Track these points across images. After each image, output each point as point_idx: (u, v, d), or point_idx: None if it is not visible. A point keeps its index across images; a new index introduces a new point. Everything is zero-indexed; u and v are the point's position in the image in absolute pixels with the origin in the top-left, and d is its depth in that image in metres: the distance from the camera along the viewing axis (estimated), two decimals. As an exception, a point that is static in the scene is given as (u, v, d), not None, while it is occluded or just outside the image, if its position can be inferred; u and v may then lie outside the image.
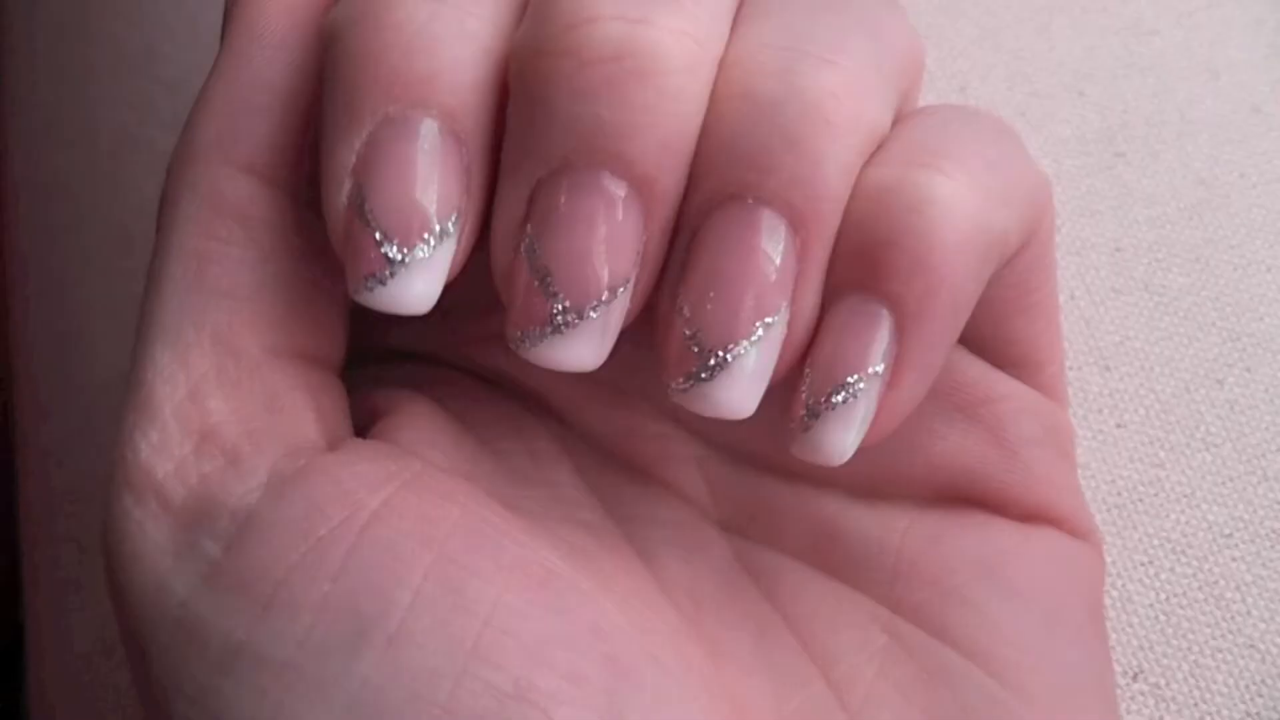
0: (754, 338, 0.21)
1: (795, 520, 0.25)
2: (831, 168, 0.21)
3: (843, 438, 0.22)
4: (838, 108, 0.21)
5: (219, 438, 0.21)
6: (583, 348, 0.21)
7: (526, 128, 0.21)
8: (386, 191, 0.21)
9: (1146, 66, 0.34)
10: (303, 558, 0.20)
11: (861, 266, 0.21)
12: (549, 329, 0.21)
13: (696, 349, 0.21)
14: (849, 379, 0.22)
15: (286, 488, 0.21)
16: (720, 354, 0.21)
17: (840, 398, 0.22)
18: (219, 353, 0.22)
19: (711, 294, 0.21)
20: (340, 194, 0.21)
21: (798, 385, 0.22)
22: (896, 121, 0.22)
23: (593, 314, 0.21)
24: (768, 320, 0.21)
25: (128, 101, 0.37)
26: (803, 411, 0.22)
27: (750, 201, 0.21)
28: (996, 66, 0.35)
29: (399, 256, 0.21)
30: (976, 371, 0.25)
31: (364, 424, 0.24)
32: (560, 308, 0.21)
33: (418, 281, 0.21)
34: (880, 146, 0.22)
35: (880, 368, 0.22)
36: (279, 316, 0.22)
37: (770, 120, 0.21)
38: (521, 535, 0.21)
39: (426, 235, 0.21)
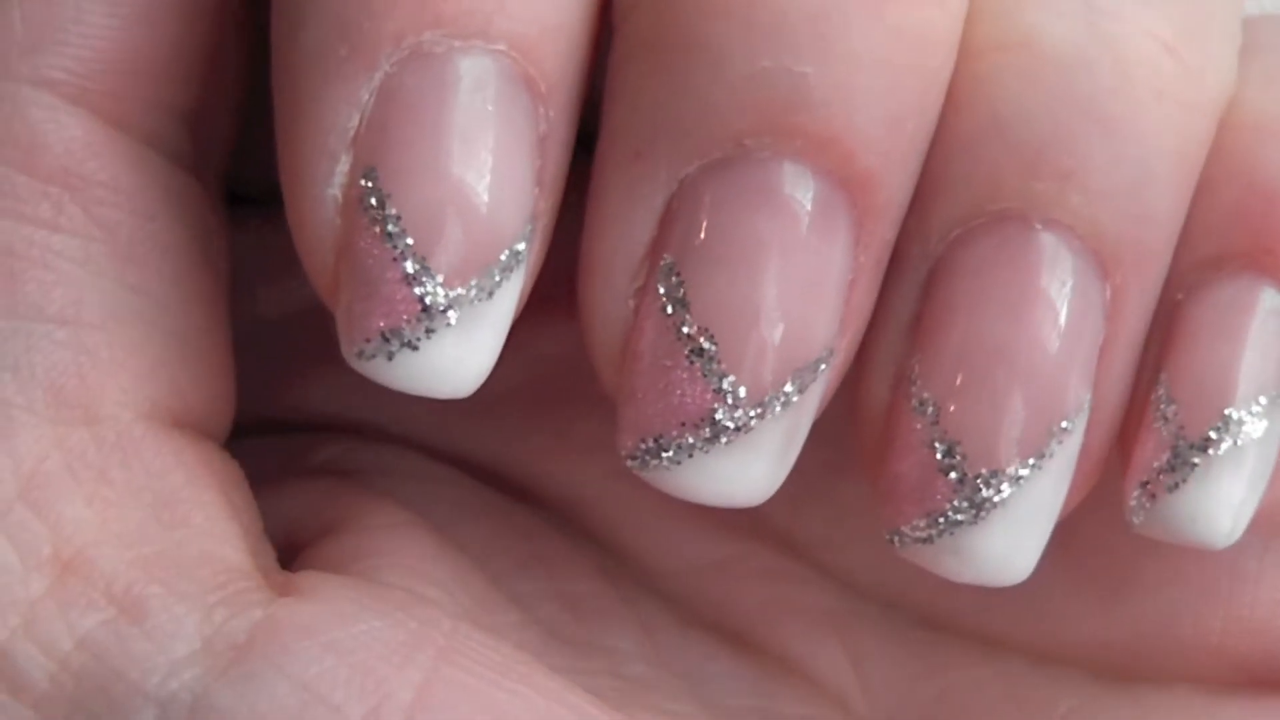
0: (1047, 453, 0.16)
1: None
2: (1168, 170, 0.16)
3: (1229, 502, 0.17)
4: (1173, 67, 0.16)
5: (95, 571, 0.16)
6: (755, 467, 0.16)
7: (666, 88, 0.16)
8: (425, 187, 0.15)
9: None
10: None
11: (1247, 232, 0.17)
12: (706, 435, 0.16)
13: (954, 474, 0.16)
14: (1237, 409, 0.17)
15: (251, 660, 0.16)
16: (994, 482, 0.16)
17: (1228, 437, 0.17)
18: (65, 420, 0.16)
19: (976, 380, 0.16)
20: (328, 183, 0.16)
21: (1145, 419, 0.17)
22: None
23: (780, 409, 0.16)
24: (1064, 425, 0.16)
25: None
26: (1162, 460, 0.17)
27: (1036, 226, 0.16)
28: None
29: (443, 301, 0.15)
30: None
31: (281, 544, 0.19)
32: (729, 400, 0.16)
33: (468, 344, 0.16)
34: (1244, 62, 0.17)
35: None
36: (154, 359, 0.17)
37: (1067, 90, 0.16)
38: None
39: (490, 266, 0.16)
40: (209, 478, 0.17)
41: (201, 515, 0.17)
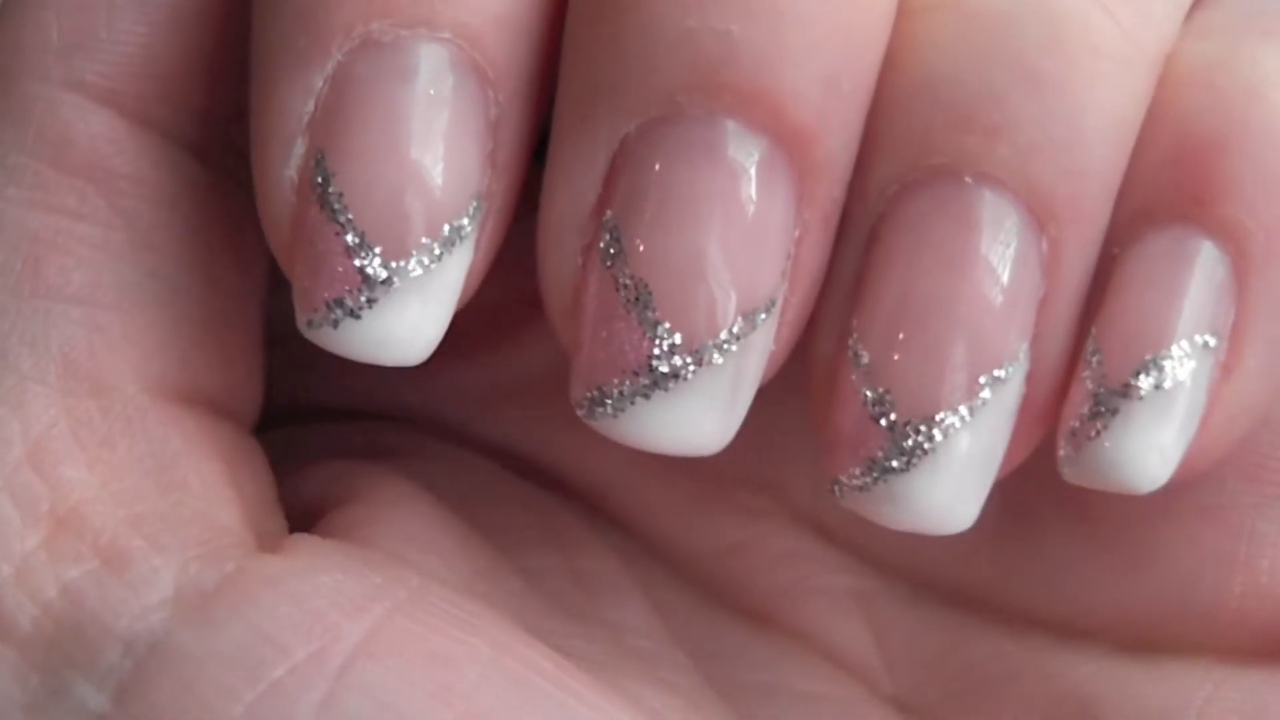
0: (978, 400, 0.16)
1: (1023, 693, 0.20)
2: (1100, 124, 0.16)
3: (1153, 446, 0.17)
4: (1107, 24, 0.16)
5: (86, 526, 0.17)
6: (702, 415, 0.16)
7: (602, 52, 0.16)
8: (366, 166, 0.16)
9: None
10: (249, 711, 0.16)
11: (1177, 183, 0.17)
12: (645, 383, 0.16)
13: (884, 421, 0.16)
14: (1160, 354, 0.17)
15: (215, 606, 0.16)
16: (923, 429, 0.16)
17: (1150, 381, 0.16)
18: (74, 391, 0.17)
19: (905, 330, 0.16)
20: (285, 164, 0.16)
21: (1076, 371, 0.17)
22: None
23: (718, 358, 0.16)
24: (998, 374, 0.16)
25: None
26: (1086, 408, 0.17)
27: (969, 180, 0.16)
28: None
29: (382, 274, 0.16)
30: None
31: (302, 515, 0.19)
32: (665, 347, 0.16)
33: (410, 314, 0.16)
34: (1188, 20, 0.17)
35: (1212, 338, 0.17)
36: (166, 338, 0.18)
37: (1001, 47, 0.16)
38: (592, 694, 0.17)
39: (428, 240, 0.16)
40: (210, 448, 0.18)
41: (198, 481, 0.17)
